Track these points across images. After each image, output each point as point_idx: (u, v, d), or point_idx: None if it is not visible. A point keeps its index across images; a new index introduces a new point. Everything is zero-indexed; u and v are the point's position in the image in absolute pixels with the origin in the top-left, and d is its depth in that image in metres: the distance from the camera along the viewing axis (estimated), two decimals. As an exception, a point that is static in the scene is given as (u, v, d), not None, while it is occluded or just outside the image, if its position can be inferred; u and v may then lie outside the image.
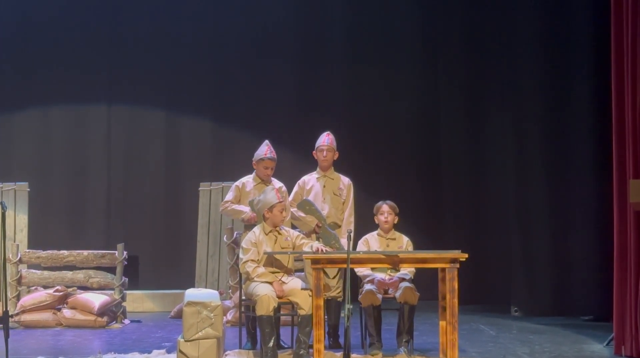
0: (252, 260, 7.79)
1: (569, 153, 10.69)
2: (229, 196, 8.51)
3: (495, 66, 11.54)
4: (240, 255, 7.90)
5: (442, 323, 7.52)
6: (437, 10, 12.12)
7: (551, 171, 10.76)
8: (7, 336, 7.09)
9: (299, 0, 12.34)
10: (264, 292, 7.59)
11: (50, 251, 10.45)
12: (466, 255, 7.41)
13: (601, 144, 9.89)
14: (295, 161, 11.09)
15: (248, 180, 8.49)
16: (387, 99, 12.23)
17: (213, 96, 12.31)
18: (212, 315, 7.40)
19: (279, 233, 7.91)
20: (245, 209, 8.33)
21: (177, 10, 12.31)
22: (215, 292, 7.90)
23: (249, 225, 8.30)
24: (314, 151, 8.69)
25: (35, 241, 11.27)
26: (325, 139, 8.63)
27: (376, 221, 8.28)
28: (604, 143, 9.33)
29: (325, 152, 8.60)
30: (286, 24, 12.30)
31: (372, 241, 8.22)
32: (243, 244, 7.92)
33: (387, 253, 7.71)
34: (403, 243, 8.22)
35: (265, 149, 8.45)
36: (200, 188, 11.71)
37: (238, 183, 8.51)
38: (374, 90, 12.24)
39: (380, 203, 8.28)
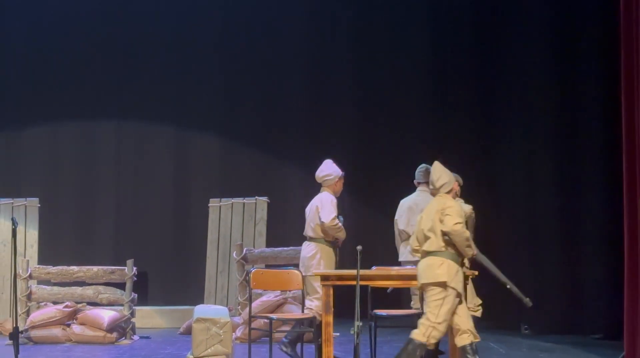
0: None
1: (579, 169, 10.65)
2: (335, 211, 8.27)
3: (505, 79, 11.49)
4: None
5: (452, 342, 7.48)
6: (446, 19, 12.10)
7: (562, 188, 10.72)
8: (17, 352, 7.11)
9: (308, 20, 12.36)
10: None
11: (60, 267, 10.46)
12: (476, 272, 7.39)
13: (613, 160, 9.84)
14: (303, 179, 11.05)
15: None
16: (392, 106, 12.19)
17: (222, 112, 12.32)
18: (221, 331, 7.39)
19: None
20: None
21: (187, 28, 12.35)
22: (225, 308, 7.91)
23: None
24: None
25: (45, 257, 11.28)
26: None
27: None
28: (616, 159, 9.29)
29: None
30: (296, 41, 12.32)
31: None
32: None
33: (397, 269, 7.69)
34: None
35: (337, 167, 8.39)
36: (209, 204, 11.72)
37: (328, 198, 8.31)
38: (381, 104, 12.22)
39: None
